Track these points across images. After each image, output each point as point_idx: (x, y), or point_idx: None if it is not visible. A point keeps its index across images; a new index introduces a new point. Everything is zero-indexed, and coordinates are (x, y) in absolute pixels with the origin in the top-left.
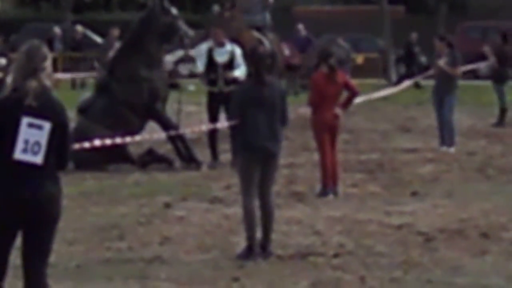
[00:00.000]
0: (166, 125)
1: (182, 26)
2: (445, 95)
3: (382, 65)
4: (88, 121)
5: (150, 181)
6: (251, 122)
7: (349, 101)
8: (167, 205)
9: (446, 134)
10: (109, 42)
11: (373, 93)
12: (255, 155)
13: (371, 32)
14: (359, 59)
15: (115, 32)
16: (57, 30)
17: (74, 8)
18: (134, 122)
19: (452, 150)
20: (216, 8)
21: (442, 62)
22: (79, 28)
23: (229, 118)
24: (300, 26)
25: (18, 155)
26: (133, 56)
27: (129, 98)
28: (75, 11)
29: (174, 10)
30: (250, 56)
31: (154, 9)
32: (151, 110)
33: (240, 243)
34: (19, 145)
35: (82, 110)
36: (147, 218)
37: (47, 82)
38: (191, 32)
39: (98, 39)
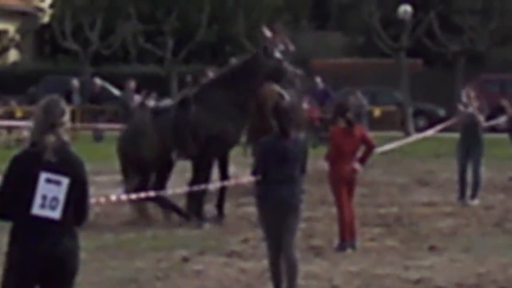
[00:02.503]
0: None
1: (289, 67)
2: (471, 147)
3: (399, 118)
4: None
5: (168, 235)
6: (273, 175)
7: (366, 155)
8: (185, 259)
9: (472, 186)
10: (127, 94)
11: (389, 144)
12: (277, 208)
13: (389, 85)
14: (377, 112)
15: (132, 84)
16: (75, 82)
17: (93, 60)
18: (190, 151)
19: (476, 202)
20: (233, 60)
21: (470, 110)
22: (98, 81)
23: (253, 172)
24: (318, 79)
25: (36, 210)
26: (227, 91)
27: (201, 127)
28: (93, 63)
29: (278, 54)
30: (274, 111)
31: (258, 53)
32: (211, 151)
33: None
34: (37, 200)
35: (156, 111)
36: (165, 272)
37: (66, 137)
38: (299, 72)
39: (117, 92)
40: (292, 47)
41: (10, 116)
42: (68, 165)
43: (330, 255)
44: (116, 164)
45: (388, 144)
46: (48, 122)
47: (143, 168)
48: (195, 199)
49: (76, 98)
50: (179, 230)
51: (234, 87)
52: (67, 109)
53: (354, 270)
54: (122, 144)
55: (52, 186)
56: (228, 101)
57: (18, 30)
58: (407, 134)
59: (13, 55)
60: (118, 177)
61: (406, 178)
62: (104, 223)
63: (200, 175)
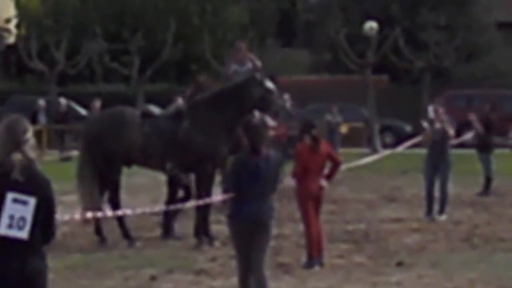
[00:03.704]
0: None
1: (278, 100)
2: (438, 162)
3: (366, 134)
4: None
5: (136, 253)
6: (245, 192)
7: (333, 172)
8: (153, 278)
9: (440, 201)
10: (93, 114)
11: (356, 161)
12: (248, 226)
13: (355, 101)
14: (344, 128)
15: (98, 104)
16: (41, 102)
17: (59, 80)
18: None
19: (443, 217)
20: (201, 78)
21: (438, 125)
22: (63, 100)
23: (224, 189)
24: (286, 96)
25: (3, 230)
26: (218, 112)
27: (191, 144)
28: (59, 83)
29: (269, 84)
30: (245, 128)
31: (250, 80)
32: (201, 168)
33: None
34: (4, 220)
35: (145, 114)
36: None
37: (32, 154)
38: (288, 107)
39: (83, 111)
40: (259, 63)
41: None
42: (34, 185)
43: (298, 272)
44: None
45: (358, 161)
46: (13, 141)
47: (109, 164)
48: (201, 218)
49: (42, 118)
50: (146, 249)
51: (225, 108)
52: (30, 126)
53: (322, 287)
54: (99, 129)
55: (19, 206)
56: (219, 122)
57: None
58: (374, 150)
59: None
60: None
61: (373, 194)
62: (72, 243)
63: (200, 194)
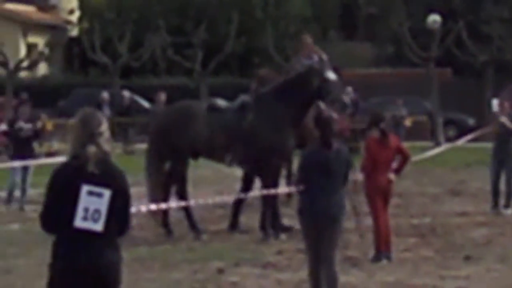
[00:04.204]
0: (264, 183)
1: (335, 90)
2: (504, 156)
3: (429, 128)
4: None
5: (202, 246)
6: (315, 186)
7: (402, 166)
8: (220, 271)
9: (505, 195)
10: (158, 106)
11: (420, 155)
12: (319, 220)
13: (418, 94)
14: (408, 121)
15: (162, 96)
16: (105, 95)
17: (122, 73)
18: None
19: (509, 211)
20: (262, 71)
21: (504, 119)
22: (126, 93)
23: (294, 182)
24: (349, 89)
25: (79, 223)
26: (280, 104)
27: (255, 136)
28: (122, 76)
29: (331, 75)
30: (316, 121)
31: (308, 70)
32: (267, 161)
33: None
34: (79, 213)
35: (211, 108)
36: (201, 284)
37: (107, 147)
38: (345, 99)
39: (146, 104)
40: (325, 56)
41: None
42: (109, 177)
43: (366, 266)
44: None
45: (421, 154)
46: (87, 134)
47: (176, 156)
48: (269, 212)
49: (106, 110)
50: (213, 242)
51: (288, 100)
52: (104, 119)
53: (390, 281)
54: (166, 122)
55: (94, 199)
56: (283, 114)
57: (47, 44)
58: (437, 143)
59: (42, 68)
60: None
61: (438, 188)
62: (138, 235)
63: (266, 186)
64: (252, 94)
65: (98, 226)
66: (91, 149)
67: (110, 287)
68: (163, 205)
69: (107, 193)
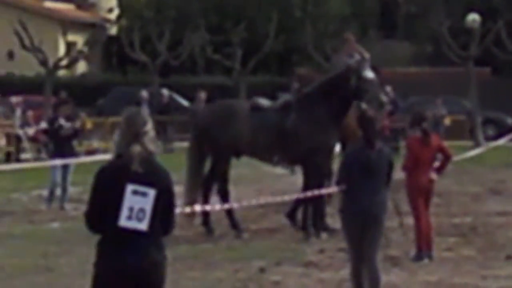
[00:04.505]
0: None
1: (372, 89)
2: None
3: (469, 127)
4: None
5: (243, 245)
6: (357, 185)
7: (444, 165)
8: (262, 270)
9: None
10: (198, 105)
11: (461, 155)
12: (361, 220)
13: (457, 93)
14: (447, 120)
15: (203, 95)
16: (144, 94)
17: (161, 71)
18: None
19: None
20: (301, 70)
21: None
22: (165, 91)
23: (336, 182)
24: (389, 88)
25: (123, 222)
26: (325, 103)
27: (298, 136)
28: (161, 74)
29: (369, 74)
30: (360, 121)
31: (347, 69)
32: (310, 160)
33: None
34: (124, 212)
35: (254, 107)
36: (243, 283)
37: (151, 147)
38: (382, 98)
39: (185, 103)
40: (367, 55)
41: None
42: (154, 176)
43: (407, 265)
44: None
45: (463, 154)
46: (132, 133)
47: (218, 155)
48: (312, 210)
49: (145, 109)
50: (253, 241)
51: (329, 99)
52: (149, 119)
53: (432, 280)
54: (209, 121)
55: (138, 198)
56: (325, 113)
57: (87, 42)
58: (477, 143)
59: (81, 67)
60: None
61: (478, 187)
62: (179, 233)
63: (309, 186)
64: (294, 93)
65: (143, 226)
66: (136, 148)
67: (155, 286)
68: (207, 207)
69: (151, 192)
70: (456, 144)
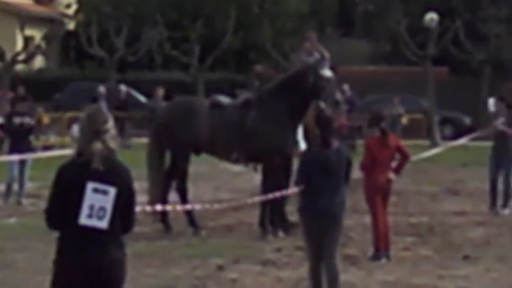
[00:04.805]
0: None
1: (328, 88)
2: (503, 157)
3: (426, 126)
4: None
5: (201, 243)
6: (316, 185)
7: (402, 165)
8: (220, 267)
9: (503, 195)
10: (155, 101)
11: (419, 154)
12: (320, 219)
13: (414, 92)
14: (404, 119)
15: (161, 91)
16: (101, 89)
17: (118, 67)
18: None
19: (507, 211)
20: (258, 67)
21: (499, 123)
22: (123, 87)
23: (295, 182)
24: (346, 87)
25: (83, 220)
26: (280, 102)
27: (257, 134)
28: (119, 70)
29: (326, 72)
30: (318, 120)
31: (305, 67)
32: (268, 158)
33: None
34: (84, 210)
35: (213, 104)
36: (201, 281)
37: (112, 145)
38: (338, 96)
39: (142, 99)
40: (327, 54)
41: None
42: (114, 175)
43: (365, 265)
44: (144, 172)
45: (421, 154)
46: (93, 130)
47: (177, 152)
48: (269, 209)
49: (103, 104)
50: (211, 238)
51: (287, 98)
52: (110, 116)
53: (390, 280)
54: (169, 118)
55: (99, 196)
56: (284, 112)
57: (44, 37)
58: (434, 142)
59: (39, 61)
60: (144, 184)
61: (434, 187)
62: (137, 230)
63: (267, 184)
64: (254, 91)
65: (103, 224)
66: (97, 146)
67: (114, 284)
68: (168, 206)
69: (112, 190)
70: (413, 143)
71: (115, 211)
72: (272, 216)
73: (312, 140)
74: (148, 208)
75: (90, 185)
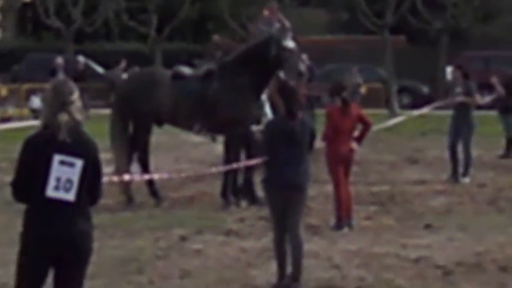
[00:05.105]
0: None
1: (291, 59)
2: (462, 126)
3: (384, 95)
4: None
5: (164, 213)
6: (281, 156)
7: (363, 134)
8: (183, 238)
9: (463, 163)
10: (116, 73)
11: (379, 124)
12: (284, 189)
13: (372, 62)
14: (362, 89)
15: (123, 64)
16: (59, 60)
17: (75, 38)
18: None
19: (467, 180)
20: (216, 37)
21: (457, 93)
22: (81, 58)
23: (259, 152)
24: (304, 56)
25: (50, 192)
26: (243, 73)
27: (219, 105)
28: (76, 41)
29: (289, 43)
30: (282, 91)
31: (268, 38)
32: (230, 130)
33: (259, 276)
34: (51, 182)
35: (175, 75)
36: (165, 252)
37: (78, 116)
38: (301, 67)
39: (100, 70)
40: (287, 24)
41: None
42: (81, 147)
43: (328, 234)
44: (104, 143)
45: (382, 124)
46: (59, 102)
47: (139, 123)
48: (230, 179)
49: (61, 75)
50: (173, 209)
51: (250, 69)
52: (76, 88)
53: (353, 249)
54: (130, 89)
55: (66, 168)
56: (246, 83)
57: (1, 8)
58: (392, 111)
59: None
60: (107, 155)
61: (394, 156)
62: (100, 202)
63: (229, 156)
64: (216, 62)
65: (70, 196)
66: (63, 117)
67: (82, 255)
68: (126, 176)
69: (79, 163)
70: (372, 112)
71: (82, 183)
72: (234, 187)
73: (276, 111)
74: (115, 178)
75: (57, 157)
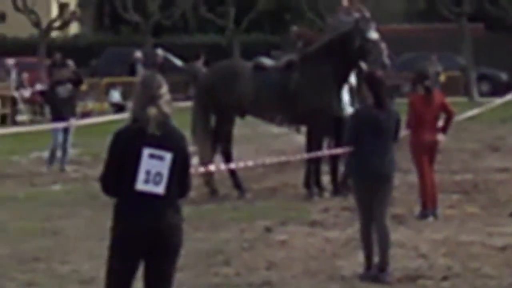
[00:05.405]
0: (310, 143)
1: (376, 51)
2: None
3: (463, 83)
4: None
5: (248, 205)
6: (366, 146)
7: (448, 124)
8: (268, 230)
9: None
10: (194, 66)
11: (461, 113)
12: (371, 179)
13: (451, 50)
14: (441, 77)
15: (202, 57)
16: (138, 54)
17: (153, 31)
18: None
19: None
20: (294, 28)
21: None
22: (160, 51)
23: (346, 142)
24: (384, 45)
25: (140, 185)
26: (325, 64)
27: (301, 96)
28: (154, 34)
29: (373, 35)
30: (369, 81)
31: (352, 29)
32: (312, 120)
33: (345, 267)
34: (141, 175)
35: (256, 67)
36: (250, 243)
37: (167, 109)
38: (385, 60)
39: (179, 62)
40: (367, 14)
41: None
42: (170, 140)
43: (413, 223)
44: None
45: (466, 113)
46: (148, 96)
47: (222, 115)
48: (312, 170)
49: (141, 69)
50: (257, 200)
51: (333, 59)
52: (164, 82)
53: (439, 238)
54: (212, 81)
55: (155, 162)
56: (328, 73)
57: (79, 3)
58: (471, 99)
59: (74, 28)
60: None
61: (476, 144)
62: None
63: (311, 146)
64: (297, 52)
65: (160, 189)
66: (152, 111)
67: (171, 248)
68: (212, 167)
69: (168, 156)
70: (451, 100)
71: (171, 176)
72: (318, 177)
73: (362, 101)
74: (202, 169)
75: (146, 151)
